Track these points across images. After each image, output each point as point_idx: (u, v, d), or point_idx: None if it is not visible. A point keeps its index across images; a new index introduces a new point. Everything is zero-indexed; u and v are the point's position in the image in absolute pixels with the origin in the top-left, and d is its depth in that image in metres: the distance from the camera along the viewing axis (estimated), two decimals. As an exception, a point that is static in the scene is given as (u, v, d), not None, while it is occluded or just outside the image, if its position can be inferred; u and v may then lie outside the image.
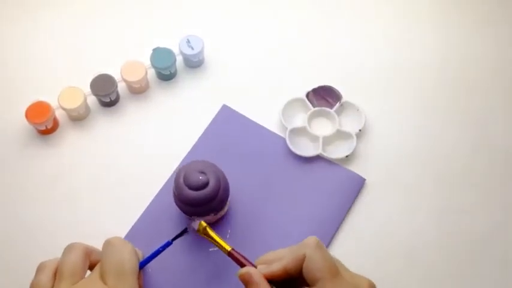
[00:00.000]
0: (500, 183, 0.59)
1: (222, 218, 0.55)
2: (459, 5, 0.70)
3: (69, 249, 0.42)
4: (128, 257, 0.41)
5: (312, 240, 0.42)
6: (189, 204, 0.49)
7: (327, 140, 0.59)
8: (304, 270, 0.41)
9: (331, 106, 0.61)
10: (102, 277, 0.40)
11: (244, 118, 0.61)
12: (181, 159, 0.58)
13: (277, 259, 0.42)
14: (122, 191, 0.57)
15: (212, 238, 0.46)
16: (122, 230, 0.54)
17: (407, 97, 0.64)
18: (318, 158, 0.58)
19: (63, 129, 0.60)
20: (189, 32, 0.63)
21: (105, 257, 0.41)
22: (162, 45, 0.62)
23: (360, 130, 0.59)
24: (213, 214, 0.51)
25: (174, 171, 0.57)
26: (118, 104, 0.62)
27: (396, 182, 0.58)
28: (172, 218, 0.55)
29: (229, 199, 0.52)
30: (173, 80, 0.64)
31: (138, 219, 0.55)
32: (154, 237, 0.53)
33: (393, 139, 0.61)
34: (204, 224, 0.47)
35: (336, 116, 0.60)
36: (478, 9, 0.70)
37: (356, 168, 0.58)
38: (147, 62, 0.61)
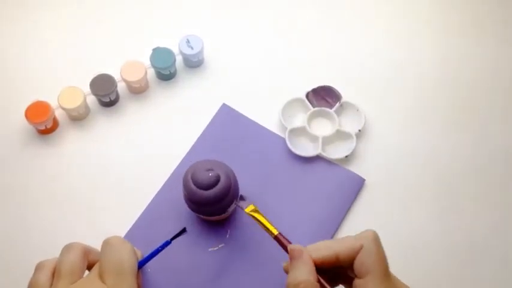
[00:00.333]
0: (500, 183, 0.59)
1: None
2: (459, 5, 0.70)
3: (67, 248, 0.42)
4: (126, 257, 0.41)
5: (371, 233, 0.41)
6: (203, 204, 0.49)
7: (327, 140, 0.59)
8: (357, 261, 0.40)
9: (331, 106, 0.61)
10: (101, 276, 0.40)
11: (244, 118, 0.61)
12: (181, 158, 0.58)
13: (326, 247, 0.41)
14: (121, 190, 0.57)
15: (259, 221, 0.47)
16: (121, 230, 0.54)
17: (407, 97, 0.64)
18: (317, 158, 0.58)
19: (63, 129, 0.60)
20: (189, 32, 0.63)
21: (104, 256, 0.41)
22: (162, 45, 0.62)
23: (359, 130, 0.59)
24: (229, 209, 0.52)
25: (174, 171, 0.57)
26: (118, 104, 0.62)
27: (396, 182, 0.58)
28: (172, 218, 0.55)
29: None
30: (173, 80, 0.64)
31: (138, 219, 0.55)
32: (154, 237, 0.52)
33: (393, 139, 0.61)
34: (253, 207, 0.48)
35: (335, 116, 0.60)
36: (477, 9, 0.70)
37: (356, 168, 0.58)
38: (147, 62, 0.61)
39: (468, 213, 0.57)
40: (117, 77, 0.60)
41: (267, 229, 0.46)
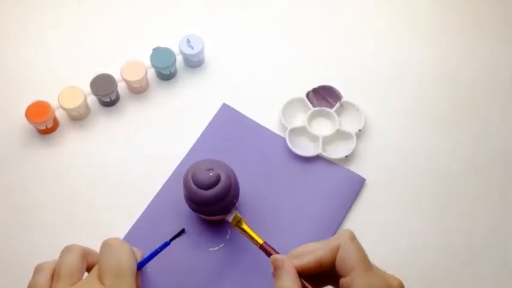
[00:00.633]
0: (501, 183, 0.59)
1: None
2: (459, 5, 0.70)
3: (66, 250, 0.42)
4: (125, 258, 0.41)
5: (346, 232, 0.42)
6: (203, 204, 0.49)
7: (327, 140, 0.59)
8: (337, 261, 0.41)
9: (331, 106, 0.61)
10: (100, 278, 0.40)
11: (244, 117, 0.61)
12: (181, 158, 0.58)
13: (308, 252, 0.42)
14: (121, 190, 0.57)
15: (244, 231, 0.48)
16: (121, 230, 0.54)
17: (407, 97, 0.64)
18: (318, 158, 0.58)
19: (63, 128, 0.60)
20: (189, 32, 0.63)
21: (103, 258, 0.41)
22: (162, 45, 0.62)
23: (359, 130, 0.59)
24: (230, 209, 0.52)
25: (174, 171, 0.57)
26: (118, 104, 0.62)
27: (396, 181, 0.58)
28: (172, 218, 0.55)
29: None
30: (173, 79, 0.64)
31: (138, 219, 0.55)
32: (155, 237, 0.52)
33: (393, 139, 0.61)
34: (239, 216, 0.49)
35: (336, 116, 0.60)
36: (478, 9, 0.70)
37: (356, 168, 0.58)
38: (147, 62, 0.61)
39: (468, 213, 0.57)
40: (117, 77, 0.60)
41: (253, 239, 0.47)
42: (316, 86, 0.62)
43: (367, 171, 0.58)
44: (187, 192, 0.50)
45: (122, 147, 0.60)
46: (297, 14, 0.69)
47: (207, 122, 0.61)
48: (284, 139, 0.59)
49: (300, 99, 0.61)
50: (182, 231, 0.46)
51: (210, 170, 0.49)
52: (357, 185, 0.57)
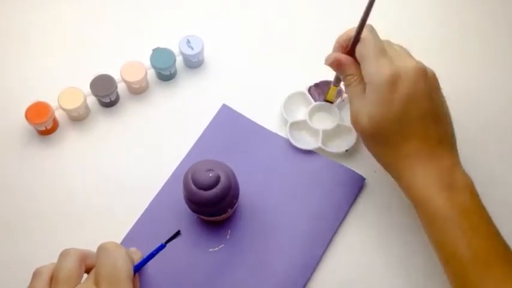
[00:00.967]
0: (501, 183, 0.59)
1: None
2: (459, 5, 0.70)
3: (64, 254, 0.42)
4: (121, 263, 0.41)
5: (367, 24, 0.48)
6: (203, 205, 0.49)
7: (328, 134, 0.59)
8: (356, 53, 0.48)
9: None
10: (97, 283, 0.40)
11: (244, 118, 0.61)
12: (181, 159, 0.58)
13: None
14: (121, 191, 0.57)
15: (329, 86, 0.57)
16: (121, 230, 0.54)
17: None
18: (318, 158, 0.58)
19: (63, 129, 0.60)
20: (189, 32, 0.63)
21: (99, 262, 0.41)
22: (162, 45, 0.62)
23: None
24: (229, 210, 0.52)
25: (174, 171, 0.58)
26: (118, 104, 0.62)
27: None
28: (172, 218, 0.55)
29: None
30: (173, 80, 0.64)
31: (138, 219, 0.55)
32: (155, 237, 0.52)
33: None
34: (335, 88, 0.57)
35: (337, 110, 0.60)
36: (478, 11, 0.70)
37: (357, 165, 0.58)
38: (147, 62, 0.61)
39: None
40: (117, 77, 0.60)
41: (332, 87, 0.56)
42: (318, 80, 0.62)
43: (367, 171, 0.58)
44: (187, 192, 0.50)
45: (121, 147, 0.59)
46: (297, 14, 0.69)
47: (207, 123, 0.61)
48: (284, 139, 0.59)
49: (301, 93, 0.61)
50: (178, 233, 0.46)
51: (209, 170, 0.49)
52: (358, 183, 0.57)
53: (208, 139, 0.60)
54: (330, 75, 0.63)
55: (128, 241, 0.54)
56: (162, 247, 0.45)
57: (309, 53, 0.66)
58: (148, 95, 0.63)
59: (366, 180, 0.58)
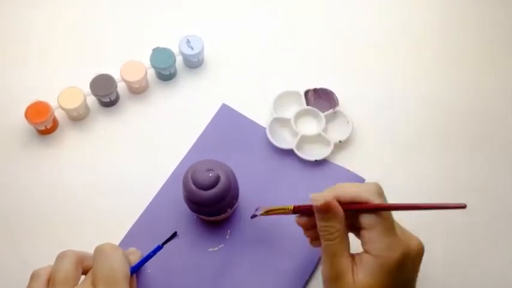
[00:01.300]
0: (501, 183, 0.59)
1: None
2: (461, 6, 0.70)
3: (61, 257, 0.43)
4: (117, 265, 0.41)
5: (374, 185, 0.43)
6: (203, 205, 0.49)
7: (306, 140, 0.59)
8: (364, 217, 0.42)
9: (326, 109, 0.61)
10: (94, 285, 0.40)
11: (244, 118, 0.61)
12: (181, 158, 0.58)
13: (345, 193, 0.43)
14: (121, 190, 0.57)
15: (273, 211, 0.48)
16: (121, 230, 0.54)
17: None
18: (324, 161, 0.58)
19: (62, 129, 0.60)
20: (189, 32, 0.63)
21: (96, 264, 0.41)
22: (162, 45, 0.62)
23: (340, 141, 0.59)
24: (229, 209, 0.52)
25: (174, 171, 0.57)
26: (118, 104, 0.62)
27: (395, 181, 0.58)
28: (171, 218, 0.55)
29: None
30: (173, 80, 0.64)
31: (138, 219, 0.55)
32: (154, 237, 0.52)
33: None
34: (264, 208, 0.48)
35: (324, 120, 0.60)
36: (479, 10, 0.70)
37: (356, 168, 0.58)
38: (147, 62, 0.61)
39: (468, 213, 0.57)
40: (117, 77, 0.60)
41: (284, 211, 0.47)
42: (318, 86, 0.61)
43: (365, 171, 0.58)
44: (187, 192, 0.50)
45: (121, 147, 0.59)
46: (298, 14, 0.69)
47: (207, 122, 0.61)
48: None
49: (296, 93, 0.61)
50: (174, 235, 0.46)
51: (209, 170, 0.49)
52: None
53: (208, 139, 0.60)
54: (329, 78, 0.63)
55: (127, 241, 0.54)
56: (158, 248, 0.45)
57: (309, 53, 0.66)
58: (148, 95, 0.63)
59: (365, 181, 0.58)
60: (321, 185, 0.56)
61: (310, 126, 0.61)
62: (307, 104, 0.61)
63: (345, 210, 0.43)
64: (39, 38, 0.67)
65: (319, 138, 0.59)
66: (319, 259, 0.54)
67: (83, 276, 0.43)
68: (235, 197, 0.51)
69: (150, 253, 0.45)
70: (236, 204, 0.53)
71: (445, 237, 0.56)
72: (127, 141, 0.60)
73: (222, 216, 0.53)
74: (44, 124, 0.58)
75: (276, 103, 0.61)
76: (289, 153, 0.58)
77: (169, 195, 0.56)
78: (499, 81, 0.65)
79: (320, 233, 0.43)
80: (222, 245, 0.54)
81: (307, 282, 0.53)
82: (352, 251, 0.43)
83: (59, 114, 0.60)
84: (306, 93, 0.61)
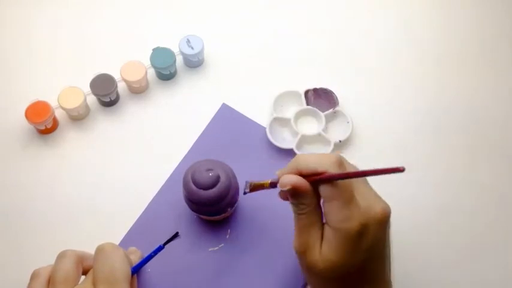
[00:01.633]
0: (501, 183, 0.59)
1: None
2: (462, 6, 0.70)
3: (61, 256, 0.43)
4: (118, 265, 0.41)
5: (333, 156, 0.42)
6: (203, 204, 0.49)
7: (306, 140, 0.59)
8: (322, 189, 0.41)
9: (326, 109, 0.61)
10: (94, 284, 0.40)
11: (244, 117, 0.61)
12: (181, 158, 0.58)
13: (309, 165, 0.42)
14: (121, 190, 0.57)
15: (259, 187, 0.48)
16: (121, 230, 0.54)
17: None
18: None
19: (62, 128, 0.60)
20: (189, 32, 0.63)
21: (97, 264, 0.41)
22: (162, 45, 0.62)
23: (340, 141, 0.59)
24: (229, 209, 0.52)
25: (174, 171, 0.58)
26: (118, 104, 0.62)
27: (395, 181, 0.58)
28: (171, 218, 0.55)
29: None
30: (173, 79, 0.64)
31: (138, 219, 0.55)
32: (154, 237, 0.52)
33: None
34: (252, 183, 0.48)
35: (324, 120, 0.60)
36: (480, 10, 0.70)
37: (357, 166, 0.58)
38: (147, 62, 0.61)
39: (468, 213, 0.57)
40: (117, 77, 0.60)
41: (264, 186, 0.47)
42: (318, 86, 0.62)
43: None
44: (187, 192, 0.50)
45: (121, 147, 0.59)
46: (298, 14, 0.69)
47: (207, 122, 0.61)
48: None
49: (296, 93, 0.61)
50: (176, 235, 0.46)
51: (209, 170, 0.49)
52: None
53: (208, 138, 0.60)
54: (329, 78, 0.63)
55: (127, 241, 0.54)
56: (160, 249, 0.45)
57: (309, 53, 0.67)
58: (148, 95, 0.63)
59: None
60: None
61: (310, 126, 0.61)
62: (307, 104, 0.61)
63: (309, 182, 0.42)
64: (39, 38, 0.67)
65: (319, 138, 0.59)
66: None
67: (83, 277, 0.43)
68: (235, 196, 0.51)
69: (152, 253, 0.45)
70: (236, 204, 0.53)
71: (445, 238, 0.56)
72: (127, 141, 0.60)
73: (222, 215, 0.53)
74: (44, 124, 0.58)
75: (276, 103, 0.61)
76: (289, 153, 0.58)
77: (169, 195, 0.56)
78: (500, 82, 0.65)
79: (292, 208, 0.44)
80: (222, 245, 0.54)
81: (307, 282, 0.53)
82: None
83: (59, 114, 0.60)
84: (306, 93, 0.61)
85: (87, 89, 0.59)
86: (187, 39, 0.62)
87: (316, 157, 0.42)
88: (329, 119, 0.61)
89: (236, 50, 0.66)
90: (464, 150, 0.61)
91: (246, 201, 0.56)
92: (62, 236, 0.54)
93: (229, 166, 0.52)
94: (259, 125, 0.61)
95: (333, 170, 0.41)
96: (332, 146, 0.58)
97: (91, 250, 0.43)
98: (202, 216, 0.53)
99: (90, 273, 0.42)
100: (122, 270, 0.41)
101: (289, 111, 0.61)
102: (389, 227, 0.43)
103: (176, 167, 0.58)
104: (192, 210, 0.52)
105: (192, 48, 0.62)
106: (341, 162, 0.42)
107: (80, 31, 0.67)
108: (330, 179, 0.41)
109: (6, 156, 0.59)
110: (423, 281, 0.54)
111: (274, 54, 0.66)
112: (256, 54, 0.66)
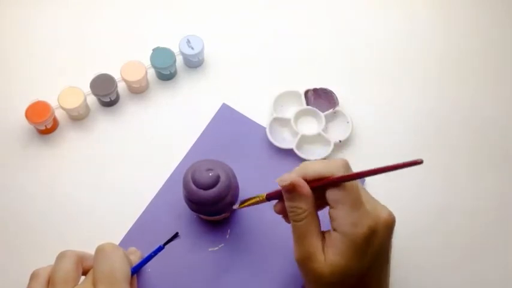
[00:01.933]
0: (501, 183, 0.59)
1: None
2: (464, 7, 0.70)
3: (61, 256, 0.43)
4: (118, 265, 0.41)
5: (340, 161, 0.42)
6: (203, 204, 0.49)
7: (306, 140, 0.59)
8: (329, 193, 0.41)
9: (326, 109, 0.61)
10: (94, 285, 0.40)
11: (244, 117, 0.61)
12: (181, 158, 0.58)
13: (312, 171, 0.42)
14: (121, 190, 0.57)
15: (249, 201, 0.48)
16: (121, 230, 0.54)
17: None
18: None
19: (63, 128, 0.60)
20: (189, 32, 0.63)
21: (97, 264, 0.41)
22: (162, 45, 0.62)
23: (340, 141, 0.59)
24: (229, 209, 0.52)
25: (174, 171, 0.58)
26: (118, 104, 0.62)
27: (395, 181, 0.58)
28: (171, 218, 0.55)
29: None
30: (173, 80, 0.64)
31: (138, 219, 0.55)
32: (154, 237, 0.53)
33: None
34: (240, 201, 0.49)
35: (324, 120, 0.60)
36: (478, 11, 0.70)
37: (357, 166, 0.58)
38: (147, 62, 0.61)
39: (468, 213, 0.57)
40: (117, 77, 0.60)
41: (259, 200, 0.47)
42: (318, 86, 0.62)
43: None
44: (187, 192, 0.50)
45: (121, 147, 0.59)
46: (298, 14, 0.69)
47: (207, 122, 0.61)
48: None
49: (296, 93, 0.61)
50: (176, 235, 0.46)
51: (209, 170, 0.49)
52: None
53: (208, 138, 0.60)
54: (329, 78, 0.63)
55: (127, 241, 0.54)
56: (160, 249, 0.45)
57: (309, 53, 0.67)
58: (148, 95, 0.63)
59: (365, 181, 0.58)
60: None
61: (310, 126, 0.61)
62: (307, 104, 0.61)
63: (312, 189, 0.42)
64: (39, 38, 0.66)
65: (319, 138, 0.59)
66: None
67: (83, 277, 0.43)
68: (235, 196, 0.51)
69: (151, 253, 0.45)
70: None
71: (445, 238, 0.56)
72: (127, 141, 0.60)
73: (223, 215, 0.53)
74: (44, 124, 0.58)
75: (276, 103, 0.61)
76: (289, 153, 0.58)
77: (169, 195, 0.56)
78: (501, 82, 0.65)
79: (289, 214, 0.43)
80: (222, 245, 0.54)
81: (307, 282, 0.53)
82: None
83: (59, 114, 0.60)
84: (306, 93, 0.61)
85: (87, 89, 0.59)
86: (187, 39, 0.62)
87: (323, 163, 0.42)
88: (329, 119, 0.61)
89: (236, 50, 0.66)
90: (464, 151, 0.61)
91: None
92: (62, 236, 0.54)
93: (229, 166, 0.52)
94: (259, 125, 0.61)
95: (340, 173, 0.41)
96: (332, 146, 0.58)
97: (91, 250, 0.43)
98: (202, 216, 0.53)
99: (90, 274, 0.42)
100: (122, 271, 0.41)
101: (289, 111, 0.61)
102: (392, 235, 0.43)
103: (176, 167, 0.58)
104: (192, 210, 0.52)
105: (192, 48, 0.62)
106: (347, 166, 0.42)
107: (80, 31, 0.67)
108: (343, 180, 0.40)
109: (6, 156, 0.59)
110: (423, 282, 0.54)
111: (274, 54, 0.66)
112: (256, 54, 0.66)
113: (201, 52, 0.62)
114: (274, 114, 0.60)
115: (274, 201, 0.47)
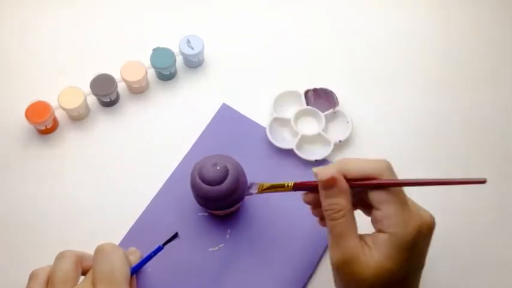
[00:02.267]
0: (501, 183, 0.59)
1: (220, 216, 0.55)
2: (465, 8, 0.71)
3: (60, 257, 0.43)
4: (118, 265, 0.41)
5: (383, 162, 0.41)
6: (214, 200, 0.49)
7: (306, 140, 0.59)
8: (375, 193, 0.40)
9: (326, 109, 0.61)
10: (94, 285, 0.40)
11: (244, 117, 0.61)
12: (181, 158, 0.58)
13: (353, 168, 0.41)
14: (121, 190, 0.57)
15: (272, 188, 0.46)
16: (121, 230, 0.54)
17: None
18: (323, 160, 0.58)
19: (63, 129, 0.60)
20: (189, 32, 0.63)
21: (96, 264, 0.41)
22: (162, 45, 0.62)
23: (340, 141, 0.59)
24: (243, 198, 0.52)
25: (174, 171, 0.58)
26: (118, 104, 0.62)
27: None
28: (172, 218, 0.55)
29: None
30: (173, 80, 0.64)
31: (138, 219, 0.55)
32: (154, 237, 0.52)
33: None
34: (262, 185, 0.47)
35: (324, 120, 0.60)
36: (478, 11, 0.70)
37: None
38: (147, 62, 0.61)
39: (468, 213, 0.57)
40: (117, 77, 0.60)
41: (283, 188, 0.45)
42: (318, 86, 0.62)
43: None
44: (197, 191, 0.49)
45: (121, 147, 0.59)
46: (298, 14, 0.69)
47: (207, 122, 0.61)
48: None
49: (296, 93, 0.61)
50: (175, 235, 0.46)
51: (215, 164, 0.49)
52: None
53: (208, 138, 0.60)
54: (329, 78, 0.63)
55: (127, 241, 0.54)
56: (159, 249, 0.45)
57: (309, 53, 0.67)
58: (148, 95, 0.63)
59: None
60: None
61: (310, 126, 0.61)
62: (307, 104, 0.61)
63: (351, 187, 0.40)
64: (39, 38, 0.67)
65: (319, 138, 0.59)
66: (320, 259, 0.54)
67: (82, 277, 0.43)
68: (246, 183, 0.51)
69: (151, 253, 0.45)
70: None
71: (445, 238, 0.56)
72: (127, 141, 0.60)
73: (236, 206, 0.52)
74: (44, 124, 0.58)
75: (276, 103, 0.61)
76: (289, 153, 0.59)
77: (170, 195, 0.56)
78: (501, 82, 0.65)
79: (325, 213, 0.40)
80: (223, 245, 0.54)
81: (307, 282, 0.53)
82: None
83: (59, 114, 0.60)
84: (306, 93, 0.61)
85: (87, 89, 0.59)
86: (187, 40, 0.62)
87: (364, 162, 0.41)
88: (329, 119, 0.61)
89: (236, 50, 0.66)
90: (464, 151, 0.61)
91: (247, 201, 0.56)
92: (62, 236, 0.54)
93: (233, 158, 0.51)
94: (259, 125, 0.61)
95: (386, 176, 0.40)
96: (332, 146, 0.58)
97: (91, 250, 0.43)
98: (210, 211, 0.53)
99: (89, 274, 0.42)
100: (122, 271, 0.41)
101: (289, 111, 0.61)
102: None
103: (176, 167, 0.58)
104: (203, 207, 0.51)
105: (192, 48, 0.62)
106: (391, 167, 0.41)
107: (80, 31, 0.67)
108: (398, 185, 0.39)
109: (6, 156, 0.59)
110: (423, 282, 0.54)
111: (274, 54, 0.66)
112: (256, 54, 0.66)
113: (201, 52, 0.62)
114: (274, 114, 0.60)
115: (287, 193, 0.45)
